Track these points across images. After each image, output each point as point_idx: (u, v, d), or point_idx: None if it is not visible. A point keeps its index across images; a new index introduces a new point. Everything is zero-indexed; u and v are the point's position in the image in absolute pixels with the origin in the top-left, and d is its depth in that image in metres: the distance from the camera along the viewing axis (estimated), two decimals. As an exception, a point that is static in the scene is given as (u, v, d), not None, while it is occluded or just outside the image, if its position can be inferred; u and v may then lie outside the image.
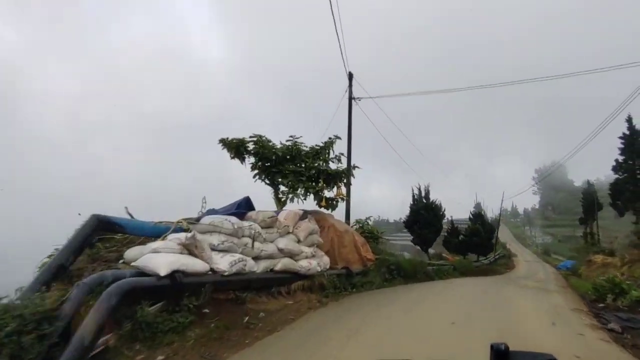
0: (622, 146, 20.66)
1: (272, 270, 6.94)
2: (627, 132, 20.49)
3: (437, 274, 16.76)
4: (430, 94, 26.49)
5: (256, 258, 6.67)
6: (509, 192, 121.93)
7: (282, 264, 7.08)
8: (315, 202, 9.67)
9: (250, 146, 9.13)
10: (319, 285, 7.92)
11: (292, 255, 7.42)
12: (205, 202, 8.37)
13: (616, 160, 20.84)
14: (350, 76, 18.31)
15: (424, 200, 22.20)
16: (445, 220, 37.52)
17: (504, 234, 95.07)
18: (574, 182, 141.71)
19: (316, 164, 9.42)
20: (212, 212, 7.01)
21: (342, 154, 10.13)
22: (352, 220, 15.39)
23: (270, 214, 7.21)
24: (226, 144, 9.01)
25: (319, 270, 8.02)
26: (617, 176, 20.60)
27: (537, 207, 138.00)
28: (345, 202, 17.23)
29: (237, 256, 5.97)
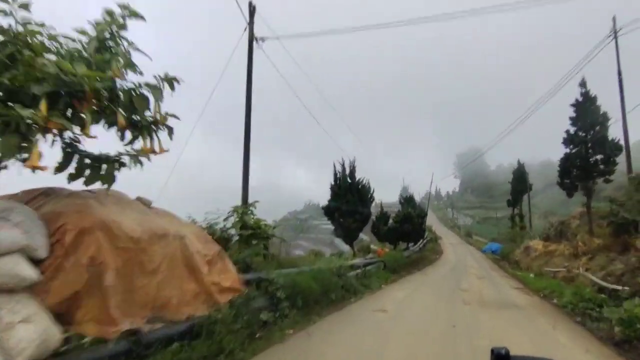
0: (573, 115, 17.64)
1: None
2: (580, 99, 17.47)
3: (363, 282, 11.87)
4: (353, 31, 21.44)
5: None
6: (432, 176, 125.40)
7: None
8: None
9: None
10: None
11: None
12: None
13: (567, 132, 17.79)
14: (252, 10, 12.64)
15: (349, 180, 17.26)
16: (373, 205, 33.66)
17: (429, 217, 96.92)
18: (490, 167, 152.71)
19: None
20: None
21: (130, 42, 4.20)
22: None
23: None
24: None
25: None
26: (567, 150, 17.64)
27: (457, 190, 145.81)
28: (242, 187, 11.47)
29: None
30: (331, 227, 27.83)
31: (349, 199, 16.66)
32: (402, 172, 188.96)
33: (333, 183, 17.53)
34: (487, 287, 12.74)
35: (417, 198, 56.60)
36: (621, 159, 16.80)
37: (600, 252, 14.14)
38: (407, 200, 31.05)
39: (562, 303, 9.27)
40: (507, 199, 35.67)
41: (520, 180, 31.96)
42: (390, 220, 25.21)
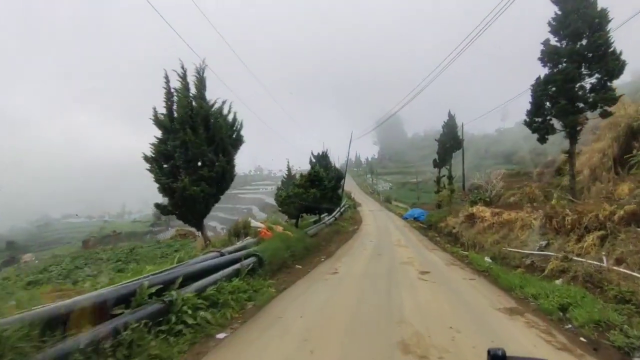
0: (554, 18, 11.51)
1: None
2: (568, -10, 11.33)
3: (165, 331, 4.10)
4: None
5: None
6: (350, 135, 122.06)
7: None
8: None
9: None
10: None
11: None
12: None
13: (545, 43, 11.67)
14: None
15: (192, 103, 8.87)
16: (280, 175, 26.07)
17: (348, 184, 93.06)
18: (407, 134, 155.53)
19: None
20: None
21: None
22: None
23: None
24: None
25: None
26: (545, 72, 11.61)
27: (376, 156, 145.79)
28: None
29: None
30: (253, 195, 20.64)
31: (186, 138, 8.43)
32: (322, 139, 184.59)
33: (165, 112, 9.06)
34: (454, 312, 5.89)
35: (337, 163, 50.74)
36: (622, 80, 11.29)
37: (621, 227, 8.28)
38: (320, 159, 23.95)
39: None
40: (434, 158, 30.75)
41: (451, 135, 26.77)
42: (294, 187, 17.74)
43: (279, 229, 13.19)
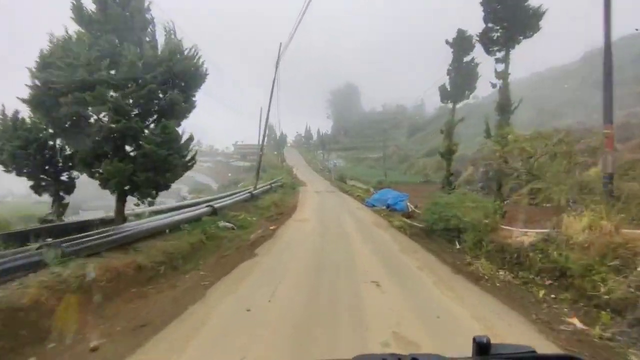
0: None
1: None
2: None
3: None
4: None
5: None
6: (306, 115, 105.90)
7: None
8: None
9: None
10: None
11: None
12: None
13: None
14: None
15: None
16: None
17: (293, 158, 77.26)
18: (365, 109, 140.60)
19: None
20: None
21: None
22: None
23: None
24: None
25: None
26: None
27: (329, 132, 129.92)
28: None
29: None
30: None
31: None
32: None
33: None
34: None
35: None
36: None
37: None
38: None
39: None
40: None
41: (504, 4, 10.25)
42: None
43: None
